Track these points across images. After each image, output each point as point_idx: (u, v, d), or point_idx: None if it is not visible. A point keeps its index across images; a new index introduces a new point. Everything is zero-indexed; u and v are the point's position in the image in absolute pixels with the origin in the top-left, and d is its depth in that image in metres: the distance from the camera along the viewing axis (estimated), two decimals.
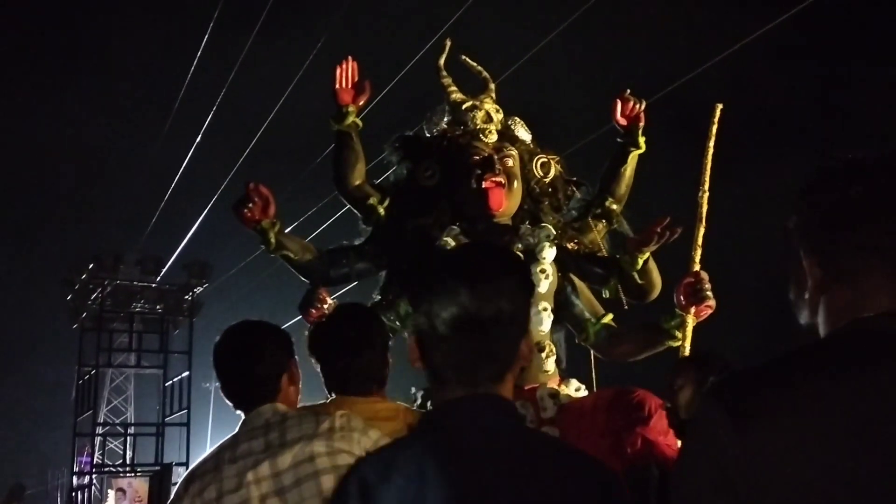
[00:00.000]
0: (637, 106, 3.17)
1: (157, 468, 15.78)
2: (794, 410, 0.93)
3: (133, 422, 18.29)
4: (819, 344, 1.04)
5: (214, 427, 18.76)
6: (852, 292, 1.02)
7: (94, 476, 16.16)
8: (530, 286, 1.34)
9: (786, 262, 1.11)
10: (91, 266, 15.83)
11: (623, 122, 3.20)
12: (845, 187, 1.01)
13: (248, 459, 1.77)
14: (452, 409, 1.27)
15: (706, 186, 2.92)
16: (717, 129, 2.99)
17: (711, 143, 2.97)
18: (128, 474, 16.18)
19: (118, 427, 17.87)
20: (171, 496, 1.87)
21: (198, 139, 13.93)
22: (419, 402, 2.94)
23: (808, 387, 0.95)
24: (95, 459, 16.41)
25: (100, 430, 16.75)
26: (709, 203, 2.91)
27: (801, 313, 1.10)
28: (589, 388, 2.99)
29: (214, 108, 13.06)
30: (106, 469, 16.66)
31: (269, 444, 1.78)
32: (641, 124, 3.19)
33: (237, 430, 1.90)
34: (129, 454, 16.98)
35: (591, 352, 3.11)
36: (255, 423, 1.85)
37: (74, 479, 15.72)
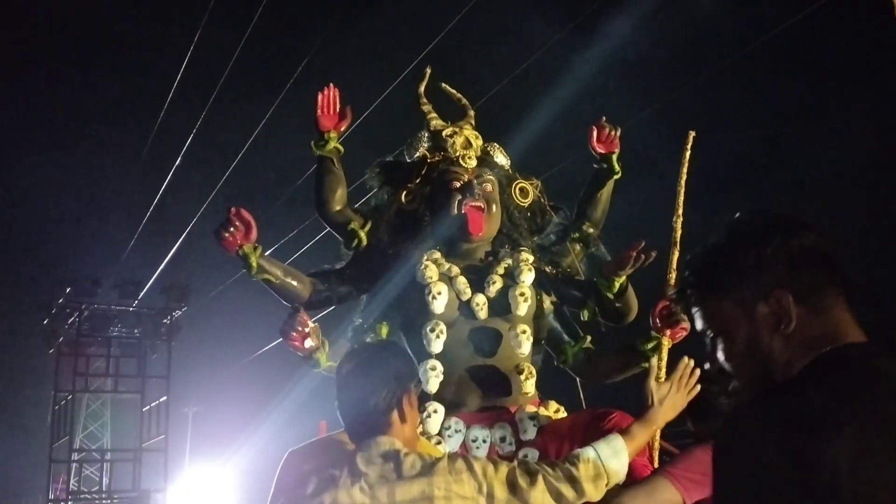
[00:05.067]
0: (613, 133, 3.24)
1: (135, 495, 15.58)
2: (867, 423, 0.97)
3: (110, 448, 17.99)
4: (836, 365, 1.11)
5: (192, 453, 18.50)
6: (827, 324, 1.14)
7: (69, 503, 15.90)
8: None
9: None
10: (68, 290, 15.67)
11: (600, 148, 3.26)
12: (801, 237, 1.17)
13: (363, 480, 1.85)
14: None
15: (680, 211, 2.99)
16: (690, 156, 3.06)
17: (685, 170, 3.04)
18: (104, 501, 15.95)
19: (94, 453, 17.59)
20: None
21: (177, 161, 13.91)
22: None
23: (869, 401, 1.01)
24: (71, 486, 16.15)
25: (76, 456, 16.50)
26: (683, 228, 2.97)
27: (774, 349, 1.16)
28: (577, 409, 3.04)
29: (194, 131, 13.07)
30: (82, 496, 16.41)
31: (385, 476, 1.85)
32: (617, 150, 3.26)
33: (353, 453, 1.93)
34: (105, 481, 16.72)
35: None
36: (371, 453, 1.90)
37: None
